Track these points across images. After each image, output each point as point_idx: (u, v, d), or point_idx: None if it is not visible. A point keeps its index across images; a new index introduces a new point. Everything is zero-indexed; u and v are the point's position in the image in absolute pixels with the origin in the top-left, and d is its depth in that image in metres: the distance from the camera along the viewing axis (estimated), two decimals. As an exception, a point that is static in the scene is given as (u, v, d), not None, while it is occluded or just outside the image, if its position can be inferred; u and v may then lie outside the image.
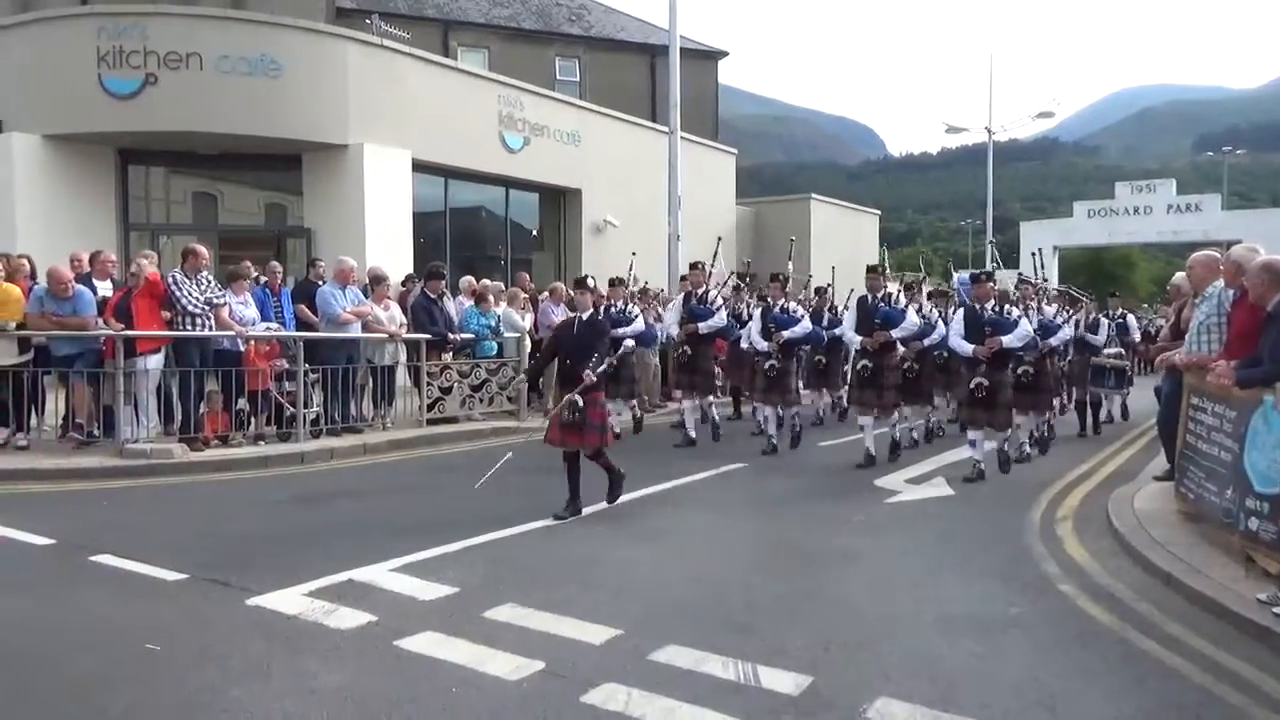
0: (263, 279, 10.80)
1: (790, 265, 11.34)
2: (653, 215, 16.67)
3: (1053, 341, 9.76)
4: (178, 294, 8.83)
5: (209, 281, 9.23)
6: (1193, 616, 4.67)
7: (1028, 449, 9.60)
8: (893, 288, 10.23)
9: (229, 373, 9.20)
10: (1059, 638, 4.40)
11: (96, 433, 8.87)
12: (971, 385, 8.35)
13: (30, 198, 13.31)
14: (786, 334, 9.74)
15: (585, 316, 7.04)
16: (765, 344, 9.85)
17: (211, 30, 13.75)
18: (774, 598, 4.89)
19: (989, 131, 30.94)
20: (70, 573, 5.26)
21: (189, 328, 8.87)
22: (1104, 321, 12.10)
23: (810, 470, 8.97)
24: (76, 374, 8.81)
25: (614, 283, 11.09)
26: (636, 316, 10.89)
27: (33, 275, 9.53)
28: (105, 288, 9.46)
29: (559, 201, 19.03)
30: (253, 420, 9.54)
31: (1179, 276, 8.45)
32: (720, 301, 10.80)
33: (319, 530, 6.32)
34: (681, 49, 15.44)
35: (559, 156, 18.18)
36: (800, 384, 11.01)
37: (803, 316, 10.19)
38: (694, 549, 6.00)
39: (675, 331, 10.68)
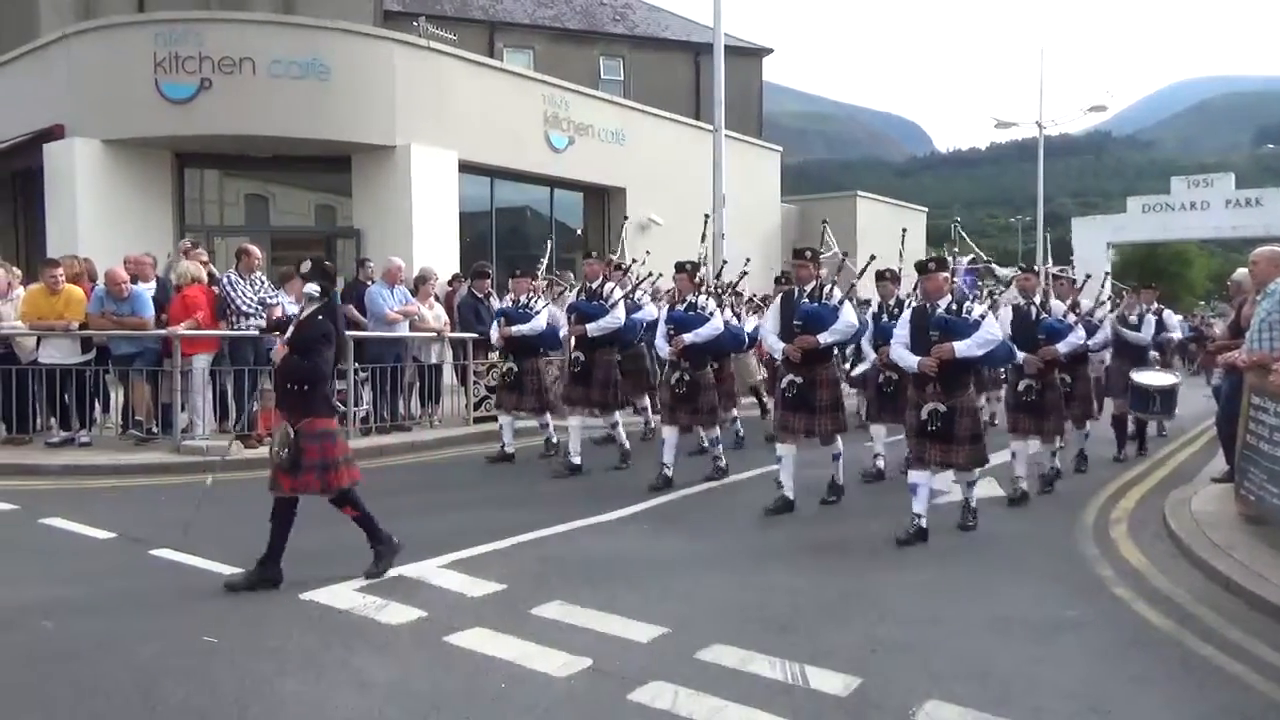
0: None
1: (830, 251, 10.23)
2: (697, 214, 16.62)
3: (1061, 349, 7.47)
4: (232, 294, 9.03)
5: (262, 282, 9.42)
6: (1254, 622, 4.55)
7: (1023, 485, 7.37)
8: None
9: (281, 371, 9.36)
10: (1114, 642, 4.31)
11: (155, 430, 9.10)
12: (923, 415, 6.07)
13: (91, 201, 13.68)
14: (689, 337, 7.70)
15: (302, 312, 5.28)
16: (665, 350, 7.89)
17: (263, 35, 14.03)
18: (820, 598, 4.86)
19: (1039, 126, 30.37)
20: (130, 566, 5.41)
21: (242, 327, 9.06)
22: (1149, 318, 9.90)
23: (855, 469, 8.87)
24: (136, 372, 9.04)
25: (515, 274, 9.34)
26: (538, 313, 8.88)
27: (93, 277, 9.80)
28: (149, 288, 9.66)
29: (603, 201, 19.09)
30: (304, 418, 9.69)
31: (1240, 272, 8.23)
32: (638, 297, 9.12)
33: (400, 519, 6.40)
34: (725, 47, 15.38)
35: (603, 156, 18.23)
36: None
37: (713, 314, 7.95)
38: (738, 548, 5.98)
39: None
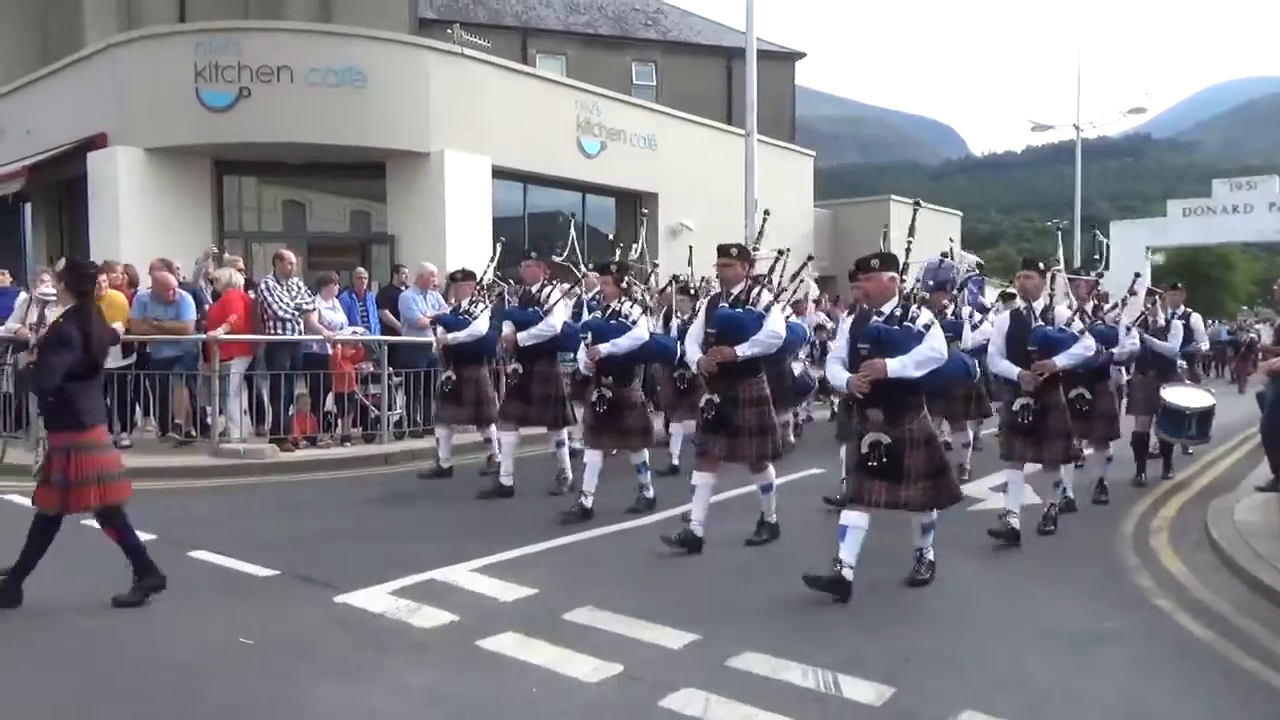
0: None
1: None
2: (729, 218, 16.64)
3: (1061, 362, 6.23)
4: (269, 299, 9.16)
5: (299, 287, 9.54)
6: (1301, 635, 4.45)
7: (1014, 521, 6.12)
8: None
9: (317, 376, 9.49)
10: (1155, 654, 4.23)
11: (194, 433, 9.24)
12: (864, 448, 5.02)
13: (133, 208, 13.94)
14: (605, 348, 6.61)
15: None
16: (584, 363, 6.89)
17: (301, 43, 14.24)
18: (853, 606, 4.81)
19: (1077, 128, 29.98)
20: (169, 567, 5.47)
21: (279, 332, 9.18)
22: (1176, 324, 8.78)
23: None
24: (176, 376, 9.19)
25: (456, 277, 8.65)
26: (477, 318, 8.14)
27: (134, 283, 9.98)
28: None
29: (635, 205, 19.11)
30: (339, 422, 9.82)
31: (1287, 277, 8.09)
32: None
33: (402, 530, 6.46)
34: (758, 51, 15.34)
35: (635, 161, 18.26)
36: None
37: (636, 322, 6.83)
38: (772, 554, 5.94)
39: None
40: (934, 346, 4.93)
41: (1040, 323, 6.36)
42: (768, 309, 5.87)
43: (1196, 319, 9.60)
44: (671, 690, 3.67)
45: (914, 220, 5.58)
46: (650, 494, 7.07)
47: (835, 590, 4.83)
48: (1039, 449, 6.30)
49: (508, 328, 7.63)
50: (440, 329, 8.29)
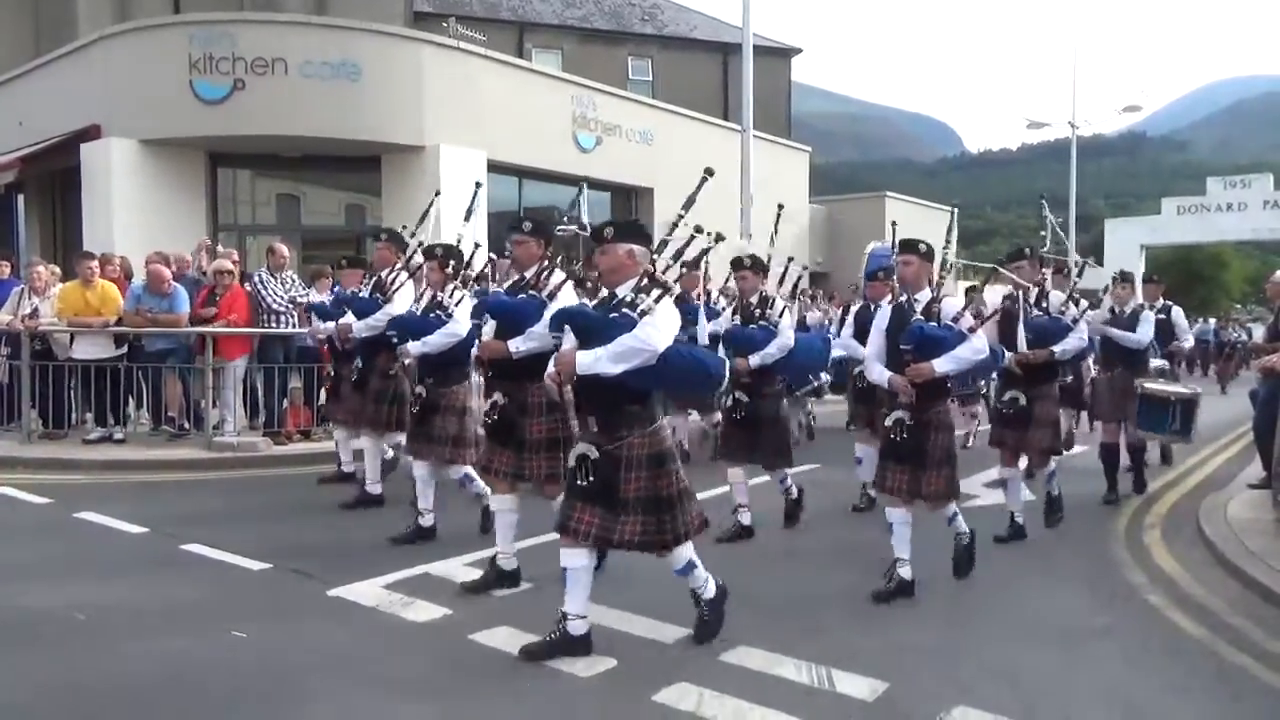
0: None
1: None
2: (725, 214, 16.64)
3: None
4: (263, 293, 9.13)
5: (293, 280, 9.52)
6: (1292, 632, 4.47)
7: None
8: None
9: (311, 369, 9.46)
10: (1147, 650, 4.25)
11: (187, 426, 9.21)
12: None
13: (127, 200, 13.89)
14: (415, 347, 5.73)
15: None
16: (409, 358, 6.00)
17: (295, 36, 14.17)
18: (846, 601, 4.82)
19: (1072, 126, 29.98)
20: (162, 560, 5.48)
21: (273, 325, 9.15)
22: (1147, 315, 7.63)
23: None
24: (169, 369, 9.16)
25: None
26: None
27: (129, 275, 9.94)
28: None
29: (631, 200, 19.11)
30: (333, 415, 9.78)
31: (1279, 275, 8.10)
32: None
33: (396, 524, 6.45)
34: (754, 47, 15.33)
35: (631, 156, 18.24)
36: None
37: (454, 316, 5.71)
38: (765, 550, 5.95)
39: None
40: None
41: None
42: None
43: (1178, 313, 8.99)
44: (665, 685, 3.67)
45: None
46: (485, 502, 5.83)
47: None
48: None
49: (348, 318, 6.82)
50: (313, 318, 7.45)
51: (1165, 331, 8.54)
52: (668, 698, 3.57)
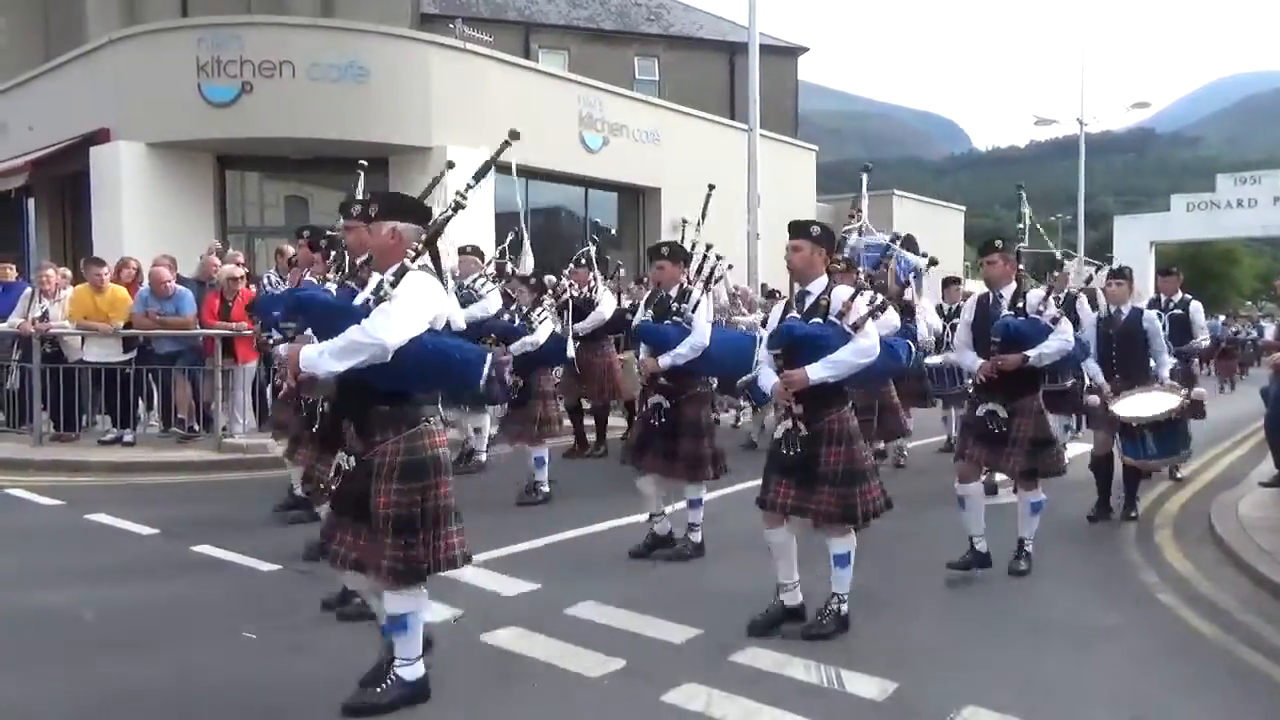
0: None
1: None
2: (732, 214, 16.62)
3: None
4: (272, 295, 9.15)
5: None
6: (1305, 631, 4.44)
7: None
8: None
9: (319, 371, 9.47)
10: (1158, 649, 4.23)
11: (197, 428, 9.24)
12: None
13: (136, 203, 13.93)
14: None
15: None
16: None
17: (302, 38, 14.20)
18: (857, 601, 4.80)
19: (1080, 123, 29.89)
20: (173, 562, 5.50)
21: (282, 327, 9.17)
22: (1151, 316, 6.93)
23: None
24: (179, 371, 9.19)
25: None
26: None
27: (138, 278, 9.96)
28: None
29: (638, 201, 19.10)
30: (342, 416, 9.80)
31: (1290, 271, 7.99)
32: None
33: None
34: (761, 46, 15.30)
35: (638, 156, 18.23)
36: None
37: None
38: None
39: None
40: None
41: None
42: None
43: (1197, 308, 8.32)
44: (674, 685, 3.66)
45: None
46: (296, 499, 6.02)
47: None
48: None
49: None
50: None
51: (1183, 328, 8.01)
52: (677, 698, 3.57)
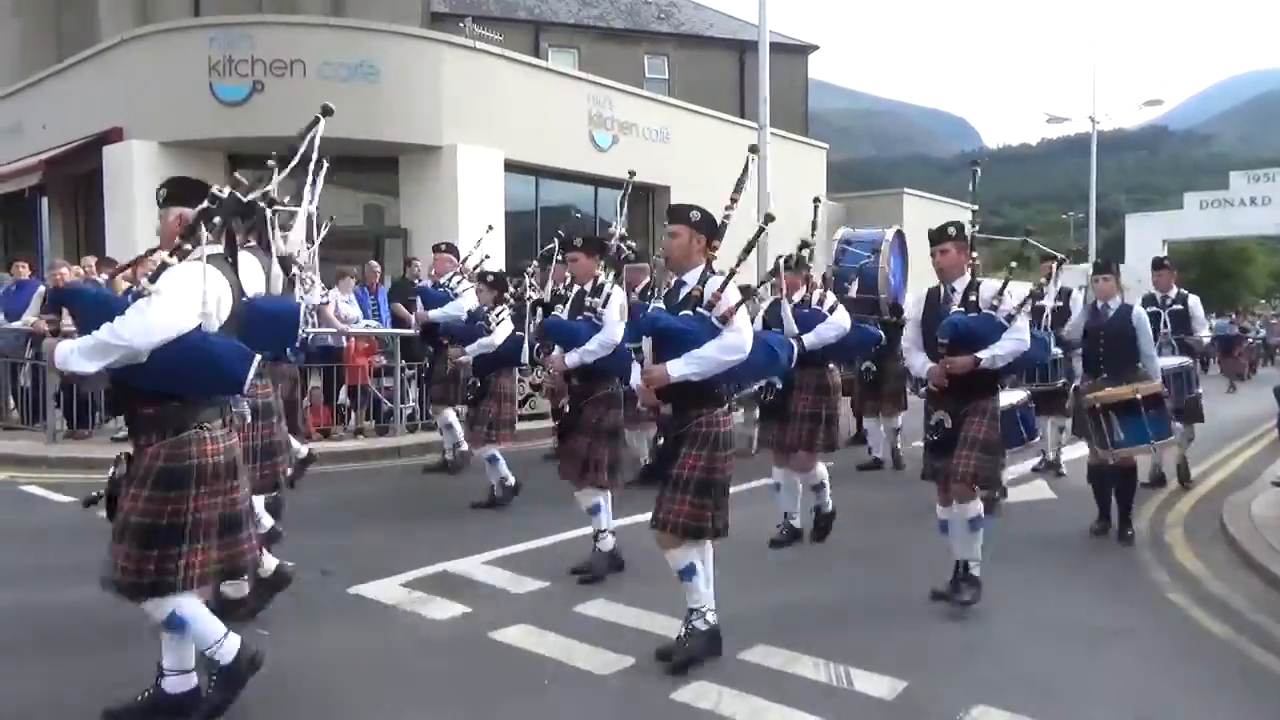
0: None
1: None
2: (742, 212, 16.61)
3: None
4: (282, 293, 9.21)
5: (312, 281, 9.57)
6: (1317, 631, 4.42)
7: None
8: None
9: (330, 369, 9.53)
10: (1169, 649, 4.22)
11: (208, 425, 9.29)
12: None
13: (148, 202, 13.83)
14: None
15: None
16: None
17: (313, 37, 14.25)
18: (865, 601, 4.82)
19: (1092, 120, 29.78)
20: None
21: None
22: (1140, 313, 6.41)
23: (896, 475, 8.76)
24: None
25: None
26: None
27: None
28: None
29: (648, 199, 19.10)
30: (353, 414, 9.86)
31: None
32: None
33: (414, 522, 6.49)
34: (771, 44, 15.28)
35: (648, 154, 18.23)
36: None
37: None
38: (784, 550, 5.94)
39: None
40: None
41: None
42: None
43: (1195, 303, 7.92)
44: (683, 683, 3.67)
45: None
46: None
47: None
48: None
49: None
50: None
51: (1182, 324, 7.78)
52: (687, 696, 3.58)
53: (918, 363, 4.87)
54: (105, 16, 19.65)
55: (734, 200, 4.10)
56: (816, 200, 6.40)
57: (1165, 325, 7.61)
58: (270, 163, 4.14)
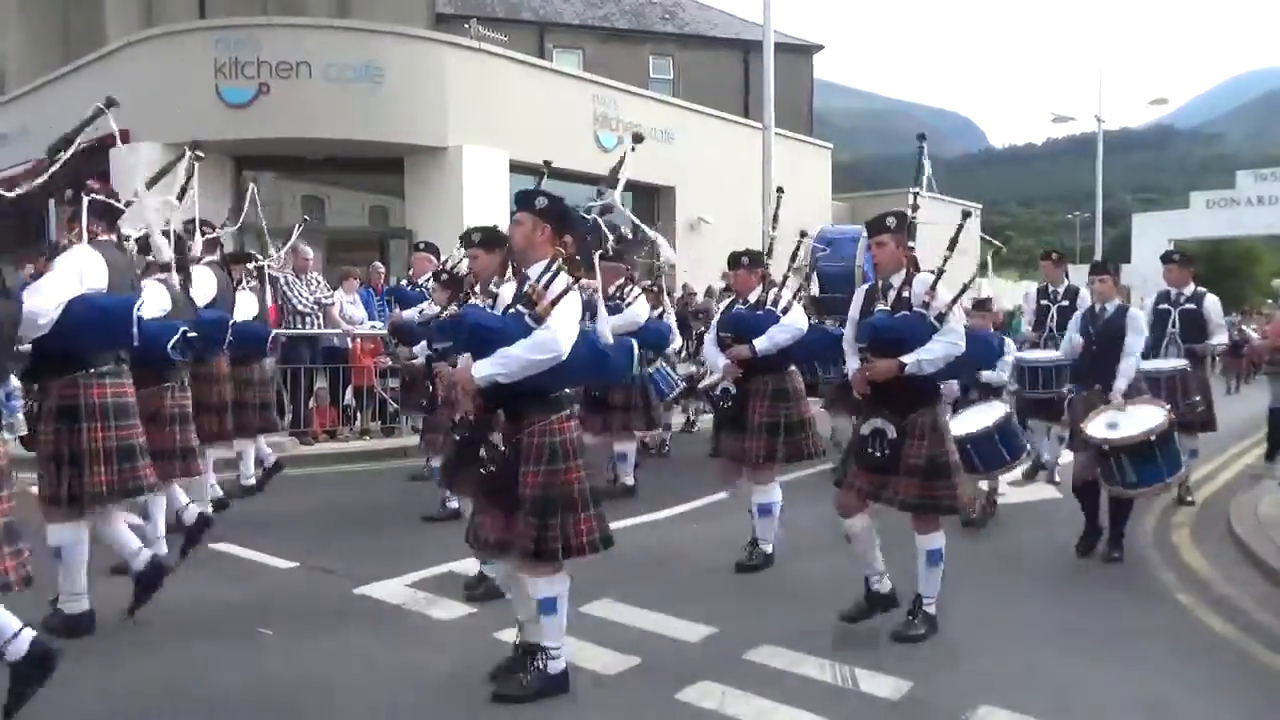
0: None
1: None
2: (747, 212, 16.61)
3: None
4: (289, 294, 9.23)
5: (319, 282, 9.61)
6: (1324, 631, 4.41)
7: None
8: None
9: (336, 370, 9.55)
10: (1176, 649, 4.20)
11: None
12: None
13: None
14: None
15: None
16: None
17: (319, 39, 14.28)
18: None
19: (1098, 120, 29.66)
20: (191, 559, 5.53)
21: (299, 326, 9.25)
22: (1136, 314, 5.95)
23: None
24: (196, 370, 9.26)
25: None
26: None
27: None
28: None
29: (653, 199, 19.10)
30: (358, 415, 9.88)
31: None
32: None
33: (420, 522, 6.50)
34: (776, 44, 15.29)
35: (653, 155, 18.17)
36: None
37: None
38: (789, 551, 5.93)
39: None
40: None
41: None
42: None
43: (1212, 303, 7.17)
44: (689, 683, 3.68)
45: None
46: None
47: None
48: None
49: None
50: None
51: (1196, 325, 7.06)
52: (691, 696, 3.58)
53: (852, 367, 4.40)
54: (111, 20, 19.74)
55: (611, 186, 3.95)
56: (780, 190, 6.17)
57: (1174, 325, 7.06)
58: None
